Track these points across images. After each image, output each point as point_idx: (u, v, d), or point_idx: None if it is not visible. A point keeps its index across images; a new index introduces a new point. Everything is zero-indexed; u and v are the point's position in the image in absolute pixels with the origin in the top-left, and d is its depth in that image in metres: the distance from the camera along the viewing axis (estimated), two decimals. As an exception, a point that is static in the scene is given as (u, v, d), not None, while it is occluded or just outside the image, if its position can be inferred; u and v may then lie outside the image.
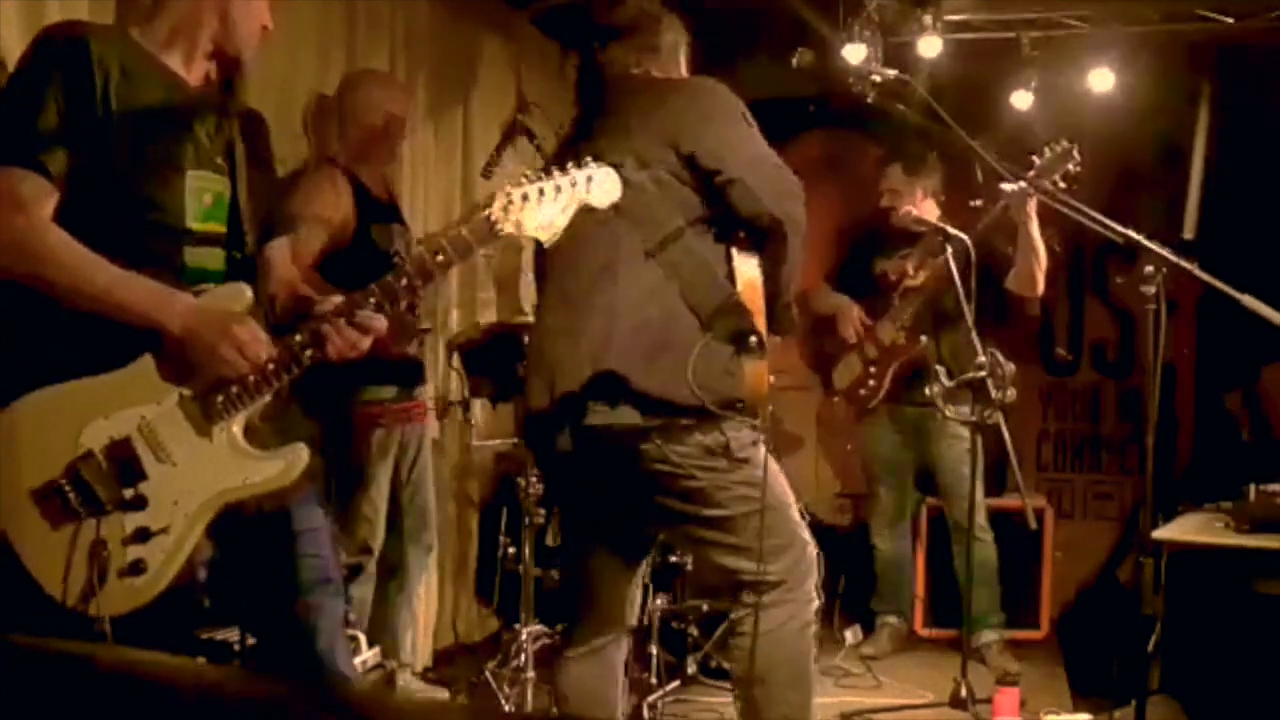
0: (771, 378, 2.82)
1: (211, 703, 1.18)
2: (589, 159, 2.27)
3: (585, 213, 2.37)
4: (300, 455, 2.17)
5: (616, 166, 2.38)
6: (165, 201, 2.17)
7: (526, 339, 3.92)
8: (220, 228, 2.26)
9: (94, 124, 2.09)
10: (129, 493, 2.05)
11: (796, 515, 2.83)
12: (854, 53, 4.49)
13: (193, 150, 2.21)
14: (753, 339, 2.63)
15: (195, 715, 1.17)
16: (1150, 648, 3.40)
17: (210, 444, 2.12)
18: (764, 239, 2.71)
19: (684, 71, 2.92)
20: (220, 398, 2.12)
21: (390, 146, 3.90)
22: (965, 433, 4.27)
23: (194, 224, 2.21)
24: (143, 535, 2.05)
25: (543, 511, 4.38)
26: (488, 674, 4.06)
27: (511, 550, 4.47)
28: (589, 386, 2.62)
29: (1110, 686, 3.86)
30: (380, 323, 2.18)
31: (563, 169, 2.23)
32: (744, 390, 2.63)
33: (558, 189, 2.20)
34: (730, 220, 2.66)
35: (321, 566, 2.31)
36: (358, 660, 3.71)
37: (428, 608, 4.59)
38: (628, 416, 2.60)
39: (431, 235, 2.24)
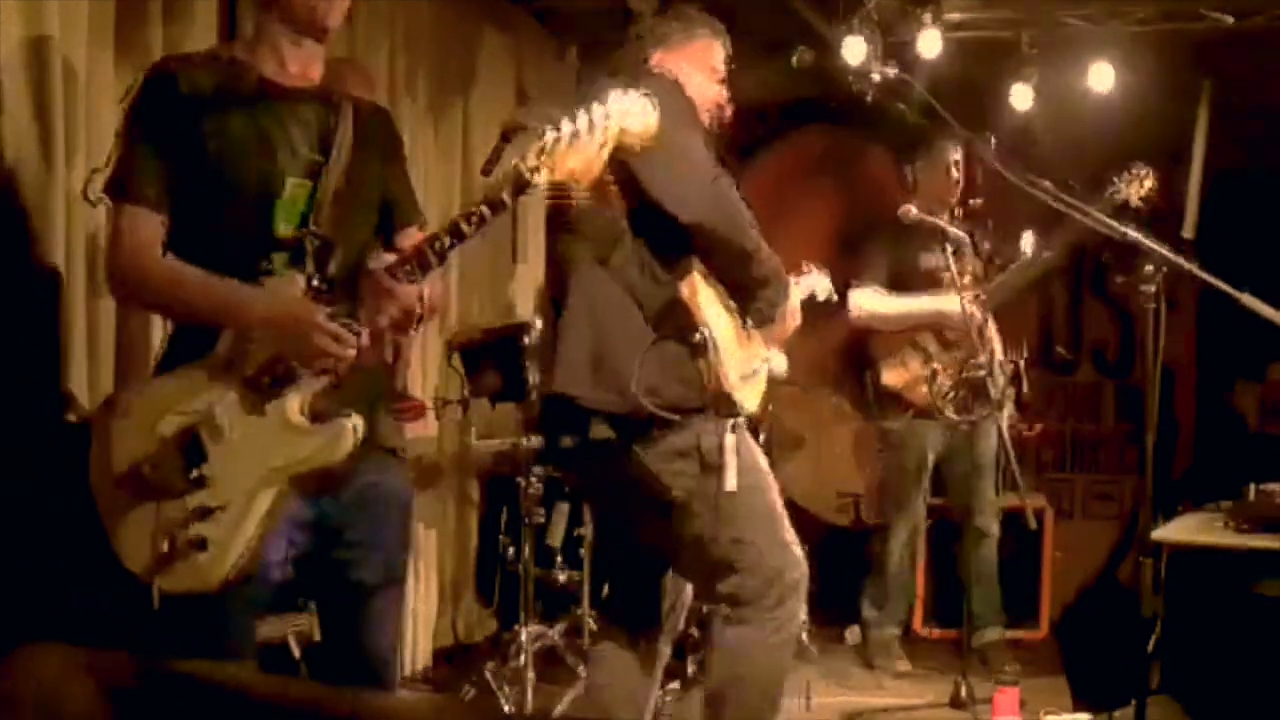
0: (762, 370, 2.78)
1: (210, 701, 1.18)
2: (617, 90, 2.17)
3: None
4: (343, 428, 2.17)
5: None
6: (257, 216, 2.21)
7: (528, 341, 3.96)
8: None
9: (193, 149, 2.19)
10: (193, 473, 2.14)
11: (784, 530, 2.76)
12: (853, 51, 4.49)
13: (287, 159, 2.24)
14: (697, 336, 2.60)
15: (193, 714, 1.17)
16: (1150, 648, 3.39)
17: (262, 419, 2.16)
18: (689, 242, 2.67)
19: (685, 60, 2.87)
20: (268, 378, 2.16)
21: None
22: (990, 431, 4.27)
23: (286, 232, 2.24)
24: (203, 513, 2.13)
25: (543, 511, 4.38)
26: (488, 674, 4.06)
27: (511, 550, 4.47)
28: (555, 406, 2.67)
29: (1110, 686, 3.85)
30: (411, 297, 2.18)
31: (592, 102, 2.12)
32: (702, 393, 2.59)
33: (590, 125, 2.09)
34: (664, 221, 2.63)
35: (379, 565, 2.34)
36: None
37: (428, 608, 4.59)
38: (598, 431, 2.61)
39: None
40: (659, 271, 2.65)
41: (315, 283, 2.20)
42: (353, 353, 2.15)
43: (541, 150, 2.08)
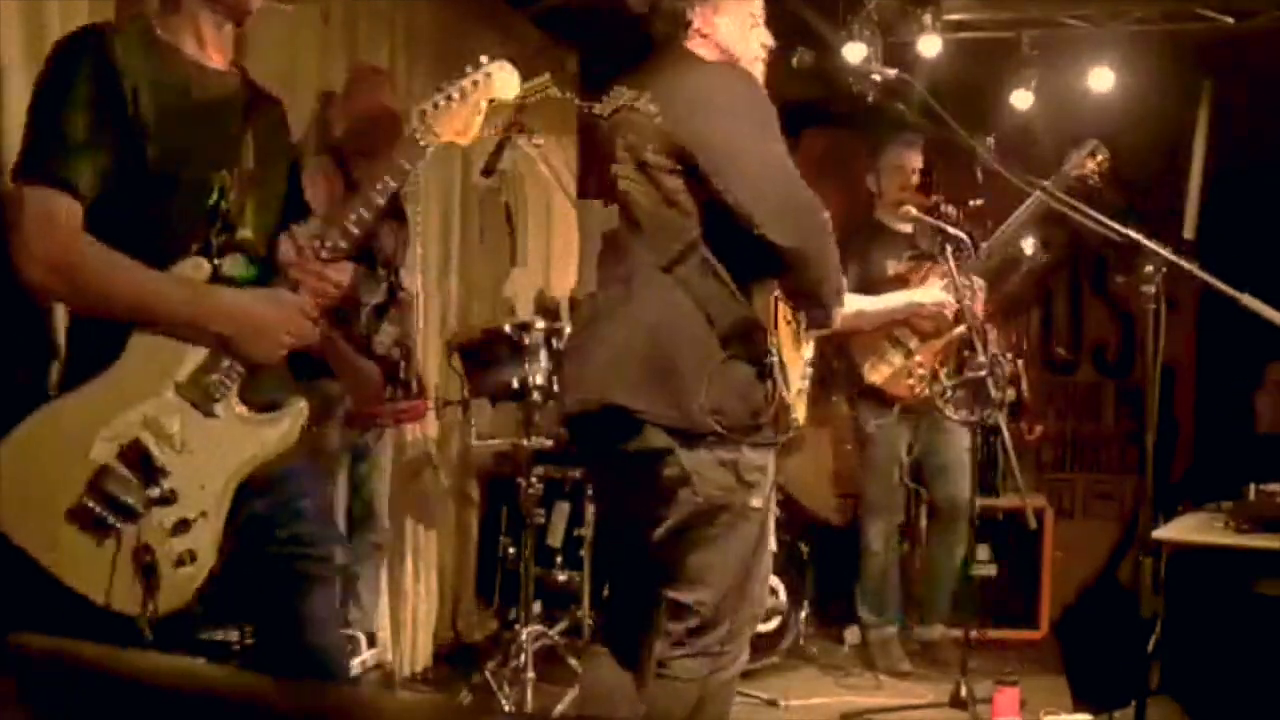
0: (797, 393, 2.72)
1: (209, 703, 1.18)
2: (483, 59, 2.40)
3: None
4: (301, 409, 2.21)
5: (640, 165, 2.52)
6: (189, 205, 2.15)
7: (528, 341, 3.95)
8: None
9: (125, 129, 2.05)
10: (155, 491, 2.04)
11: (768, 561, 2.70)
12: (854, 52, 4.49)
13: (216, 147, 2.19)
14: (769, 359, 2.54)
15: (193, 715, 1.17)
16: (1150, 648, 3.39)
17: (218, 421, 2.12)
18: (778, 263, 2.56)
19: (726, 13, 2.69)
20: (215, 376, 2.12)
21: (383, 140, 3.90)
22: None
23: (204, 219, 2.18)
24: (183, 526, 2.07)
25: (543, 511, 4.38)
26: (488, 674, 4.06)
27: (511, 550, 4.47)
28: (604, 414, 2.54)
29: (1110, 686, 3.86)
30: (345, 273, 2.24)
31: (461, 74, 2.38)
32: (764, 414, 2.54)
33: (462, 91, 2.36)
34: (743, 233, 2.51)
35: (311, 554, 2.31)
36: (357, 660, 3.71)
37: (428, 608, 4.59)
38: (654, 439, 2.50)
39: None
40: (734, 288, 2.53)
41: (217, 264, 2.16)
42: (309, 343, 2.20)
43: (422, 116, 2.33)
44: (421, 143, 2.32)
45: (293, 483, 2.27)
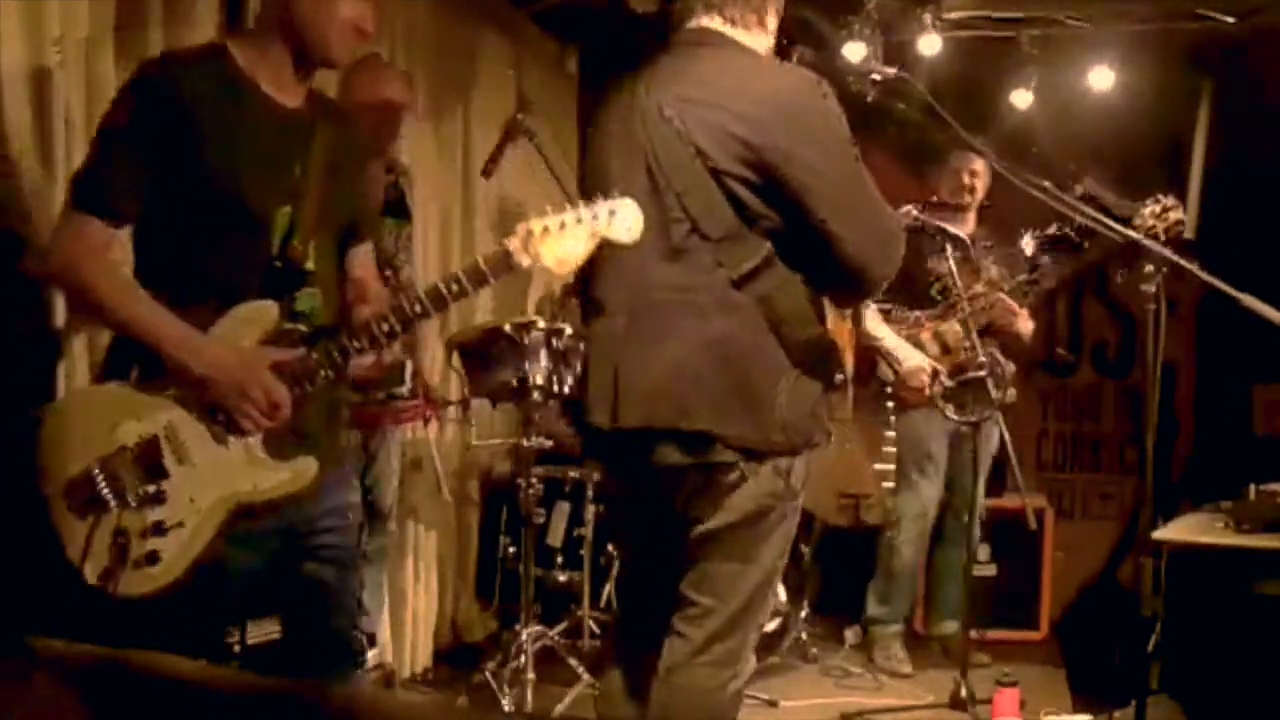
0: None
1: (210, 702, 1.19)
2: (615, 192, 2.21)
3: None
4: (309, 467, 2.28)
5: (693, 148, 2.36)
6: (252, 240, 2.22)
7: (528, 341, 3.93)
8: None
9: (188, 162, 2.15)
10: (151, 488, 2.18)
11: (781, 571, 2.65)
12: (854, 51, 4.50)
13: (283, 183, 2.24)
14: (839, 378, 2.52)
15: (193, 715, 1.17)
16: (1150, 648, 3.39)
17: (227, 451, 2.22)
18: (838, 282, 2.50)
19: (767, 38, 2.57)
20: (223, 415, 2.22)
21: (385, 133, 3.85)
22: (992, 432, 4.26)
23: (271, 258, 2.26)
24: (159, 529, 2.17)
25: (543, 511, 4.38)
26: (487, 674, 4.06)
27: (511, 550, 4.47)
28: (667, 432, 2.42)
29: (1110, 686, 3.86)
30: (395, 356, 2.29)
31: (587, 201, 2.22)
32: (825, 425, 2.52)
33: (578, 220, 2.20)
34: (813, 246, 2.42)
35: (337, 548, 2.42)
36: (358, 660, 3.70)
37: (428, 608, 4.59)
38: (721, 455, 2.42)
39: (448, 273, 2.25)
40: (808, 306, 2.47)
41: (291, 299, 2.24)
42: (278, 423, 2.21)
43: (528, 235, 2.19)
44: (515, 260, 2.20)
45: (329, 496, 2.38)
